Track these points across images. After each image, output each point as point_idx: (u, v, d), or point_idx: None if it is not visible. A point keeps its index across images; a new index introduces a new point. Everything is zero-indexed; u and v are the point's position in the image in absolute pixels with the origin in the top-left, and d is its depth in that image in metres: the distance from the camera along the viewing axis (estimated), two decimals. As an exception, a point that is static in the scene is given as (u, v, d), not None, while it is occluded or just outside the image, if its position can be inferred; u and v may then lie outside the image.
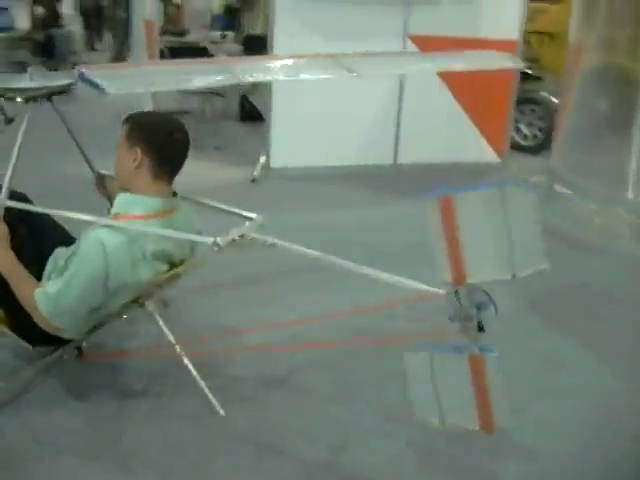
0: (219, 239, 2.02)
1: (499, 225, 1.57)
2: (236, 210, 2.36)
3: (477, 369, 1.58)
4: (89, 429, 2.33)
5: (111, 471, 2.14)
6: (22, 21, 8.64)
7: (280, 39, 5.01)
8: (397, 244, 3.91)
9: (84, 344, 2.66)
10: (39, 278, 2.30)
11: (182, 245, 2.32)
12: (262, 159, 5.24)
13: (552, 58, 6.47)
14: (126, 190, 2.27)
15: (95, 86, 1.93)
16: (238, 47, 7.83)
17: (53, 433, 2.30)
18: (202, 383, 2.42)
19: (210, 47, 7.48)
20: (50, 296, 2.14)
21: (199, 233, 2.26)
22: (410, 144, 5.54)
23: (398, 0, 5.17)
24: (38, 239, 2.41)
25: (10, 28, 8.44)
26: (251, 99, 6.92)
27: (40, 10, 8.25)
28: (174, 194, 2.33)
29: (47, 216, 2.43)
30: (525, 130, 6.47)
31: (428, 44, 5.10)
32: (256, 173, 5.16)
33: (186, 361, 2.42)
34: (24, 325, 2.28)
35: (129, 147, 2.20)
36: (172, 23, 9.09)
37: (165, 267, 2.29)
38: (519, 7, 5.55)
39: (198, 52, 7.06)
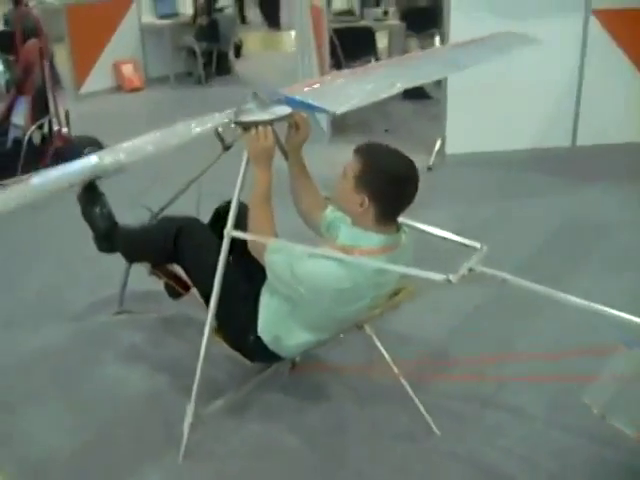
0: (452, 276, 1.90)
1: None
2: (459, 239, 2.26)
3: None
4: (309, 446, 2.42)
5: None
6: (185, 7, 8.87)
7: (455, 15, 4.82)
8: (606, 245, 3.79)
9: (297, 358, 2.75)
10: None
11: (397, 277, 2.38)
12: (437, 145, 5.13)
13: None
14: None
15: (318, 109, 2.11)
16: (400, 24, 7.59)
17: (274, 448, 2.43)
18: (418, 402, 2.46)
19: (373, 25, 7.33)
20: (287, 258, 2.17)
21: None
22: (591, 123, 5.15)
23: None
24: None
25: (175, 14, 8.63)
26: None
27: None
28: (398, 229, 2.26)
29: None
30: None
31: (614, 19, 4.83)
32: (432, 161, 5.04)
33: (403, 381, 2.47)
34: (243, 343, 2.42)
35: (357, 188, 2.11)
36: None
37: (383, 298, 2.35)
38: None
39: (364, 33, 6.85)
